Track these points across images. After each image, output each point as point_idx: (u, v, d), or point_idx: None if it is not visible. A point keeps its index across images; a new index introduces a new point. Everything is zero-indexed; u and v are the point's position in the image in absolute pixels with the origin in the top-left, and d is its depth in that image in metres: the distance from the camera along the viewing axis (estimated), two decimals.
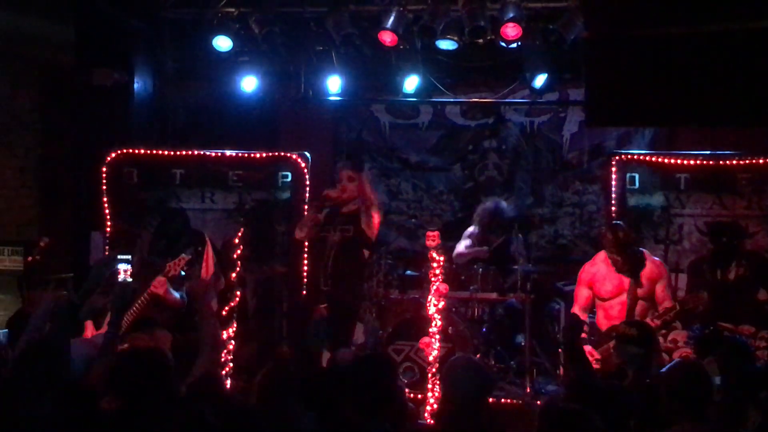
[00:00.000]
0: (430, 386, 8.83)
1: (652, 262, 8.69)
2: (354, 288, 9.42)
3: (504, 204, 11.08)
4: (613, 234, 8.69)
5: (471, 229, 11.05)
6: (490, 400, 9.03)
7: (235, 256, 9.54)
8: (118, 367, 5.53)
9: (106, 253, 9.72)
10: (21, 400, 5.43)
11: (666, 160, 9.56)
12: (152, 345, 8.18)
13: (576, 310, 8.82)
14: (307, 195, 9.85)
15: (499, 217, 10.87)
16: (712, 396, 5.50)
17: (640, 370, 7.35)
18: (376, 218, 9.39)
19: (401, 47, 10.62)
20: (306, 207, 9.81)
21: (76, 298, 6.78)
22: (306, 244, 9.79)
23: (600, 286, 8.72)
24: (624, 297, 8.60)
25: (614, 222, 9.04)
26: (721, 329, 8.38)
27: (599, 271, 8.78)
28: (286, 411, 5.38)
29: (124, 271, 6.86)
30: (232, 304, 9.46)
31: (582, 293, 8.83)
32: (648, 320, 8.26)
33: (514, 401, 9.55)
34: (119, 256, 7.04)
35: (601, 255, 8.84)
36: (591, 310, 8.82)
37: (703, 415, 5.58)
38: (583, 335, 8.48)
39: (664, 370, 5.99)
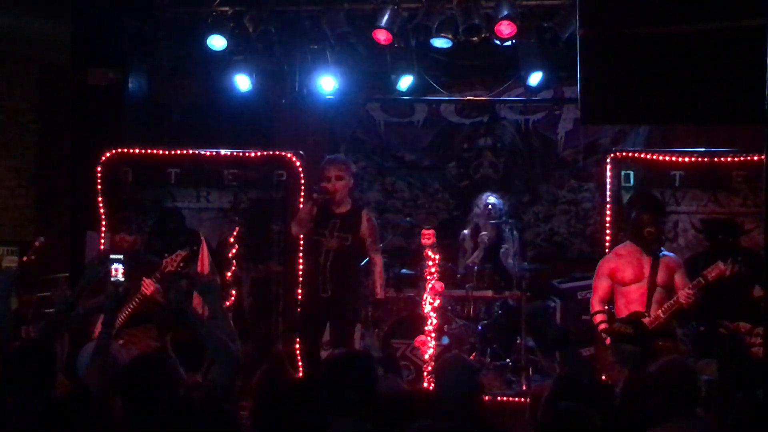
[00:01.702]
0: (426, 384, 8.84)
1: (670, 257, 8.76)
2: (356, 294, 9.40)
3: (492, 198, 11.04)
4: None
5: (465, 232, 11.05)
6: (485, 398, 9.15)
7: (230, 255, 9.55)
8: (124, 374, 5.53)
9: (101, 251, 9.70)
10: (9, 399, 5.43)
11: (661, 158, 9.57)
12: (152, 344, 8.23)
13: (595, 301, 8.81)
14: (302, 194, 9.85)
15: (491, 210, 10.88)
16: (700, 394, 5.49)
17: (635, 368, 7.37)
18: (378, 269, 9.38)
19: (396, 45, 10.62)
20: (301, 201, 9.80)
21: (71, 297, 6.76)
22: (302, 243, 9.79)
23: (621, 274, 8.71)
24: (644, 283, 8.62)
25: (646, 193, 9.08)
26: (717, 326, 8.39)
27: (619, 259, 8.79)
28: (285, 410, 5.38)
29: (116, 270, 6.83)
30: (228, 303, 9.48)
31: (602, 284, 8.80)
32: (656, 312, 8.39)
33: (510, 399, 9.58)
34: (112, 256, 6.99)
35: (619, 249, 8.87)
36: (609, 300, 8.81)
37: (693, 413, 5.58)
38: (603, 326, 8.60)
39: (653, 368, 6.00)
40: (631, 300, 8.66)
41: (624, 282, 8.71)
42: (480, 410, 5.76)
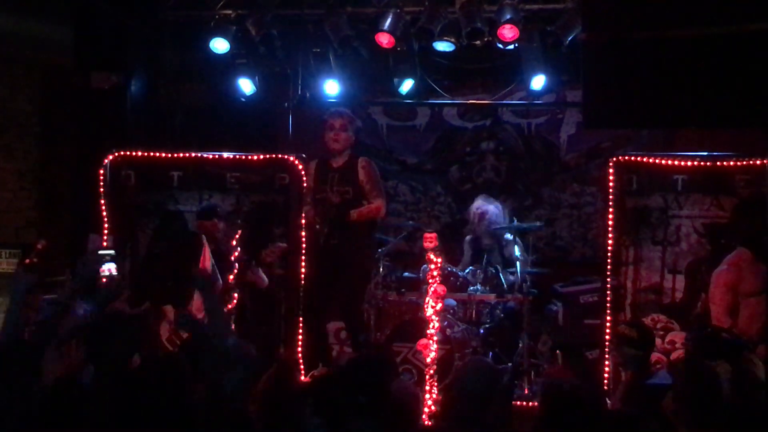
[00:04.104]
0: (428, 388, 8.83)
1: None
2: (363, 246, 9.48)
3: (487, 205, 11.04)
4: None
5: (467, 238, 11.10)
6: None
7: (232, 258, 9.53)
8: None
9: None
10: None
11: (663, 162, 9.55)
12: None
13: (723, 316, 8.51)
14: (305, 198, 9.86)
15: (486, 218, 10.88)
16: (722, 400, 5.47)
17: (637, 371, 7.37)
18: (375, 208, 9.46)
19: (398, 49, 10.64)
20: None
21: (65, 298, 6.72)
22: (303, 247, 9.80)
23: (747, 284, 8.52)
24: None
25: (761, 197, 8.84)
26: (719, 330, 8.37)
27: (740, 270, 8.59)
28: (292, 415, 5.37)
29: (108, 269, 6.82)
30: (230, 306, 9.46)
31: (725, 298, 8.55)
32: None
33: (513, 403, 9.57)
34: (102, 252, 6.98)
35: (734, 259, 8.67)
36: (734, 313, 8.55)
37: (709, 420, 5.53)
38: None
39: (669, 374, 5.96)
40: (759, 312, 8.46)
41: (749, 293, 8.53)
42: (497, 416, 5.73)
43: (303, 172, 9.89)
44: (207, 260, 9.27)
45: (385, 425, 5.18)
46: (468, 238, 11.12)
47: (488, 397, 5.43)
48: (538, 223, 11.08)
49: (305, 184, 9.89)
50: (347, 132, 9.59)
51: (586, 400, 5.26)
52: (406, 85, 11.29)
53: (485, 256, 10.56)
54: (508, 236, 10.75)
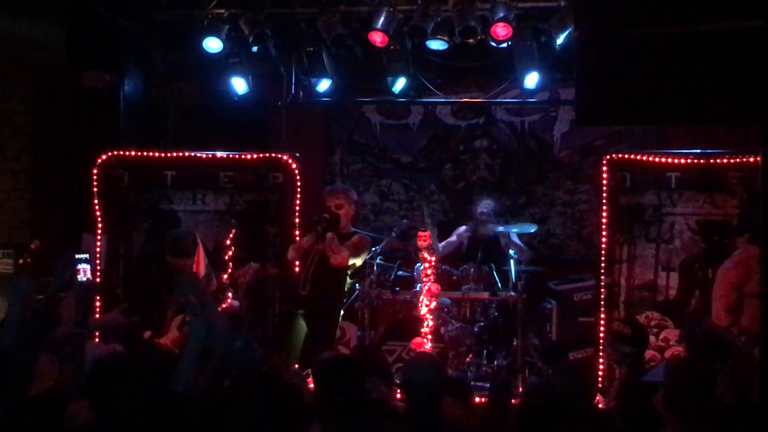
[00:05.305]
0: None
1: None
2: (334, 298, 9.38)
3: (488, 206, 11.04)
4: None
5: (462, 228, 11.10)
6: (481, 399, 9.15)
7: (226, 257, 9.53)
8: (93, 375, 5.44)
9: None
10: None
11: (657, 159, 9.56)
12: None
13: (723, 313, 8.28)
14: (299, 196, 9.86)
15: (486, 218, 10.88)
16: (711, 399, 5.47)
17: (631, 368, 7.38)
18: (342, 256, 9.25)
19: (391, 48, 10.63)
20: (297, 204, 9.80)
21: (41, 306, 6.65)
22: None
23: (754, 283, 8.10)
24: None
25: None
26: (713, 328, 8.37)
27: (747, 268, 8.32)
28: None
29: (84, 271, 6.79)
30: (224, 305, 9.46)
31: (730, 296, 8.32)
32: None
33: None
34: (77, 256, 6.94)
35: (742, 256, 8.45)
36: (737, 311, 8.29)
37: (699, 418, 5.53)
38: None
39: (663, 371, 5.94)
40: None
41: (756, 293, 8.00)
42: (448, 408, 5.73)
43: (296, 171, 9.89)
44: (201, 260, 9.26)
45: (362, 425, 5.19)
46: (463, 228, 11.10)
47: (433, 390, 5.44)
48: (531, 229, 11.06)
49: (299, 184, 9.87)
50: (343, 209, 9.30)
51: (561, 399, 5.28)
52: (400, 84, 11.28)
53: (479, 253, 10.54)
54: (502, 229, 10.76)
